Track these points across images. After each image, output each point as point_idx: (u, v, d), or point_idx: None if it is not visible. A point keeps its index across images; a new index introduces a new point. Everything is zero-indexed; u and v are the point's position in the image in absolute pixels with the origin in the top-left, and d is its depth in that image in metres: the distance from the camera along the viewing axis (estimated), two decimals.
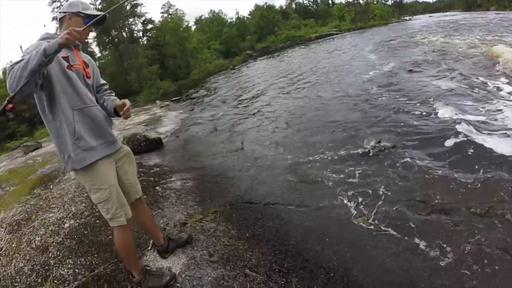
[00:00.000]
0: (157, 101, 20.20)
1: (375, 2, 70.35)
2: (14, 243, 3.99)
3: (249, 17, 60.03)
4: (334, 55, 21.79)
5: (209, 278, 2.67)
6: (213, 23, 53.22)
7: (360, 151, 5.20)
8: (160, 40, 37.25)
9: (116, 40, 36.17)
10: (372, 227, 3.34)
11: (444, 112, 6.08)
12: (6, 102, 1.85)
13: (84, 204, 4.69)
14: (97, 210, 4.37)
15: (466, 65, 10.35)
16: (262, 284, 2.60)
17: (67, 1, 2.37)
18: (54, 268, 3.27)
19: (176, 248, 3.09)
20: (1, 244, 4.05)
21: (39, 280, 3.12)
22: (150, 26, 39.47)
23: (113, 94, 2.70)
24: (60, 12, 2.34)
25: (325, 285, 2.59)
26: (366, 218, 3.50)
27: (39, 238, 3.95)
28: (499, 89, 7.13)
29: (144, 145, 7.50)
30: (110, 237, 3.65)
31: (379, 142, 5.31)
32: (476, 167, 4.05)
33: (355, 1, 62.33)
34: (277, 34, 52.72)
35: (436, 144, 4.89)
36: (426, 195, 3.65)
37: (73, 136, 2.19)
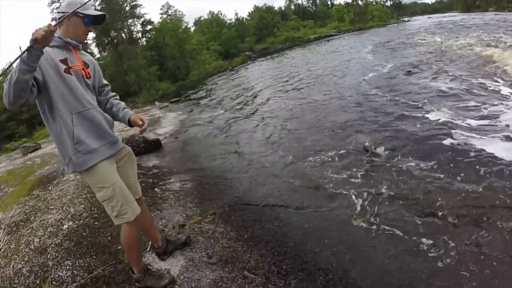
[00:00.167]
0: (156, 102, 20.20)
1: (374, 3, 70.56)
2: (13, 244, 3.98)
3: (248, 18, 60.13)
4: (333, 56, 21.82)
5: (208, 280, 2.67)
6: (212, 24, 53.28)
7: (359, 153, 5.21)
8: (159, 41, 37.25)
9: (115, 41, 36.13)
10: (371, 228, 3.34)
11: (444, 115, 6.08)
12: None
13: (82, 206, 4.68)
14: (95, 211, 4.38)
15: (465, 66, 10.38)
16: (261, 286, 2.59)
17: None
18: (53, 270, 3.26)
19: (174, 250, 3.09)
20: (0, 245, 4.04)
21: (38, 282, 3.12)
22: (149, 27, 39.44)
23: (118, 97, 2.73)
24: (58, 12, 2.31)
25: (324, 287, 2.59)
26: (365, 220, 3.50)
27: (38, 240, 3.95)
28: (498, 91, 7.15)
29: (143, 147, 7.50)
30: (109, 238, 3.65)
31: (378, 144, 5.31)
32: (476, 170, 4.04)
33: (354, 2, 62.49)
34: (276, 35, 52.76)
35: (436, 147, 4.88)
36: (425, 198, 3.65)
37: (72, 140, 2.20)
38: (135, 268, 2.68)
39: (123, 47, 34.57)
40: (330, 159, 5.19)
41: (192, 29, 51.57)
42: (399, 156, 4.79)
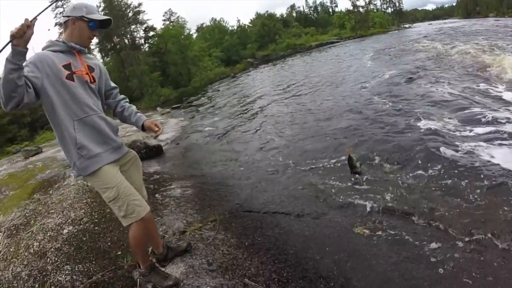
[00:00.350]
0: (158, 108, 20.27)
1: (375, 10, 71.01)
2: (12, 247, 3.97)
3: (250, 25, 60.49)
4: (334, 63, 21.90)
5: (208, 287, 2.65)
6: (215, 31, 53.57)
7: (361, 160, 5.19)
8: (161, 47, 37.47)
9: (118, 46, 36.35)
10: (372, 236, 3.33)
11: (448, 122, 6.08)
12: None
13: (83, 210, 4.67)
14: (96, 216, 4.37)
15: (466, 72, 10.41)
16: None
17: (70, 4, 2.34)
18: (52, 274, 3.24)
19: (175, 257, 3.07)
20: (0, 248, 4.03)
21: (36, 286, 3.09)
22: (152, 33, 39.73)
23: (127, 100, 2.73)
24: (63, 16, 2.31)
25: None
26: (366, 227, 3.49)
27: (38, 243, 3.93)
28: (500, 97, 7.18)
29: (144, 152, 7.50)
30: (109, 244, 3.63)
31: (380, 152, 5.30)
32: (480, 179, 3.99)
33: (355, 10, 62.87)
34: (278, 42, 53.05)
35: (440, 155, 4.83)
36: (427, 206, 3.63)
37: (75, 146, 2.20)
38: (141, 264, 2.70)
39: (126, 53, 34.77)
40: (331, 167, 5.19)
41: (194, 35, 51.90)
42: (402, 165, 4.77)
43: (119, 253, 3.39)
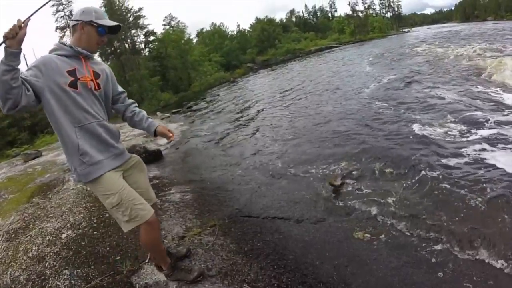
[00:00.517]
0: (158, 113, 20.25)
1: (374, 15, 71.38)
2: (11, 251, 3.95)
3: (250, 30, 60.68)
4: (333, 68, 21.95)
5: None
6: (214, 36, 53.65)
7: (360, 165, 5.20)
8: (161, 52, 37.53)
9: (118, 51, 36.38)
10: (372, 241, 3.32)
11: (451, 126, 6.08)
12: None
13: (82, 215, 4.66)
14: (95, 221, 4.36)
15: (465, 76, 10.47)
16: None
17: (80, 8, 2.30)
18: (50, 279, 3.23)
19: (174, 262, 3.05)
20: None
21: None
22: (152, 37, 39.79)
23: (137, 104, 2.73)
24: (72, 20, 2.28)
25: None
26: (366, 232, 3.48)
27: (36, 248, 3.92)
28: (501, 100, 7.20)
29: (144, 157, 7.43)
30: (108, 249, 3.62)
31: (381, 158, 5.31)
32: (484, 184, 3.99)
33: (355, 14, 63.24)
34: (278, 47, 53.18)
35: (443, 160, 4.83)
36: (428, 211, 3.63)
37: (77, 152, 2.18)
38: (162, 265, 2.74)
39: (126, 57, 34.81)
40: (330, 172, 5.18)
41: (194, 40, 52.03)
42: (404, 170, 4.77)
43: (118, 258, 3.38)
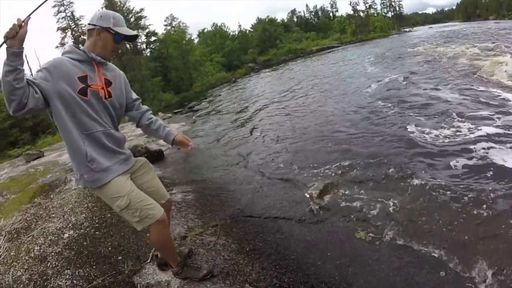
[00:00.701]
0: (160, 113, 20.27)
1: (375, 15, 71.34)
2: (13, 251, 3.96)
3: (251, 30, 60.72)
4: (335, 67, 21.94)
5: None
6: (216, 36, 53.70)
7: (361, 166, 5.19)
8: (163, 52, 37.58)
9: (119, 51, 36.41)
10: (374, 241, 3.32)
11: (457, 127, 6.03)
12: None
13: (84, 215, 4.66)
14: (97, 221, 4.36)
15: (468, 75, 10.47)
16: None
17: (98, 12, 2.23)
18: (52, 279, 3.23)
19: (183, 260, 3.03)
20: (0, 252, 4.02)
21: None
22: (153, 38, 39.87)
23: (151, 111, 2.71)
24: (89, 24, 2.21)
25: None
26: (368, 232, 3.48)
27: (38, 248, 3.92)
28: (506, 99, 7.16)
29: (145, 157, 7.37)
30: (109, 248, 3.62)
31: (385, 157, 5.30)
32: (491, 184, 3.98)
33: (356, 14, 63.25)
34: (279, 47, 53.22)
35: (450, 161, 4.79)
36: (431, 212, 3.63)
37: (85, 159, 2.15)
38: (172, 263, 2.76)
39: (127, 58, 34.86)
40: (333, 172, 5.18)
41: (196, 41, 52.06)
42: (408, 172, 4.74)
43: (119, 258, 3.38)
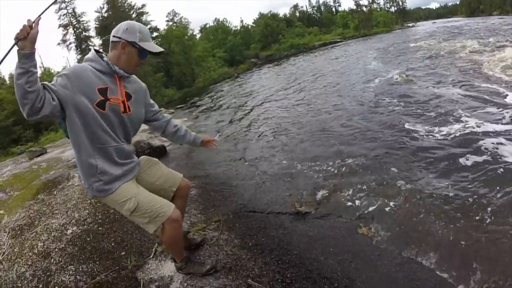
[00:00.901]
0: (162, 109, 20.20)
1: (378, 9, 70.86)
2: (17, 248, 3.98)
3: (254, 25, 60.35)
4: (337, 63, 21.85)
5: None
6: (218, 32, 53.47)
7: (365, 162, 5.17)
8: (165, 48, 37.44)
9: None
10: (376, 237, 3.33)
11: (463, 123, 5.95)
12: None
13: (87, 211, 4.68)
14: (100, 217, 4.38)
15: (472, 71, 10.39)
16: None
17: (123, 25, 2.15)
18: (56, 274, 3.25)
19: (188, 256, 3.01)
20: (4, 248, 4.04)
21: (41, 286, 3.11)
22: (155, 34, 39.76)
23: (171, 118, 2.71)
24: (113, 36, 2.13)
25: None
26: (370, 228, 3.48)
27: (42, 244, 3.95)
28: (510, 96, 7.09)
29: (148, 153, 7.49)
30: (112, 244, 3.64)
31: (389, 153, 5.28)
32: (502, 181, 3.94)
33: (359, 9, 62.87)
34: (281, 42, 52.94)
35: (457, 159, 4.74)
36: (433, 210, 3.61)
37: (96, 171, 2.13)
38: (177, 258, 2.77)
39: None
40: (335, 168, 5.17)
41: (198, 36, 51.92)
42: (412, 167, 4.74)
43: (122, 253, 3.40)
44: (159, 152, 7.78)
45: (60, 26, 36.15)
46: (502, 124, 5.61)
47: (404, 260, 2.91)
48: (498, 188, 3.75)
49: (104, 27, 36.41)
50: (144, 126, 2.75)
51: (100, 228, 4.09)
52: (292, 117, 9.38)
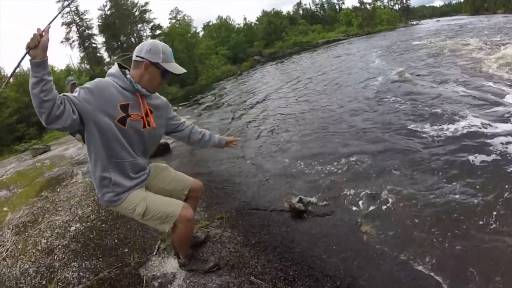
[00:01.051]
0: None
1: (382, 7, 70.52)
2: (20, 244, 4.01)
3: (257, 23, 60.26)
4: (341, 61, 21.77)
5: (214, 285, 2.65)
6: (221, 29, 53.42)
7: (367, 161, 5.16)
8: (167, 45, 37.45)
9: (125, 45, 36.52)
10: (379, 235, 3.31)
11: (469, 122, 5.85)
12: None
13: (90, 208, 4.70)
14: (103, 214, 4.39)
15: (477, 69, 10.29)
16: None
17: (146, 44, 2.16)
18: (59, 271, 3.27)
19: (192, 252, 3.03)
20: (7, 245, 4.07)
21: (44, 282, 3.12)
22: (158, 31, 39.83)
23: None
24: (136, 56, 2.14)
25: None
26: (373, 226, 3.47)
27: (45, 241, 3.97)
28: None
29: None
30: (116, 241, 3.65)
31: (393, 152, 5.27)
32: (507, 185, 3.85)
33: (362, 7, 62.54)
34: (285, 39, 52.85)
35: (464, 158, 4.67)
36: (438, 212, 3.58)
37: (109, 183, 2.17)
38: (181, 255, 2.80)
39: (133, 52, 34.85)
40: (338, 166, 5.16)
41: (201, 34, 51.90)
42: (416, 166, 4.70)
43: (126, 250, 3.41)
44: (163, 150, 7.78)
45: (63, 24, 36.28)
46: (510, 123, 5.53)
47: (406, 259, 2.90)
48: (507, 188, 3.71)
49: (107, 25, 36.55)
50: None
51: (103, 225, 4.10)
52: (295, 115, 9.36)
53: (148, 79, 2.15)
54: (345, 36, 53.30)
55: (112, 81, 2.10)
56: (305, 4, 78.24)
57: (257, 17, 61.90)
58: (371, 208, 3.82)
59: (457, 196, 3.73)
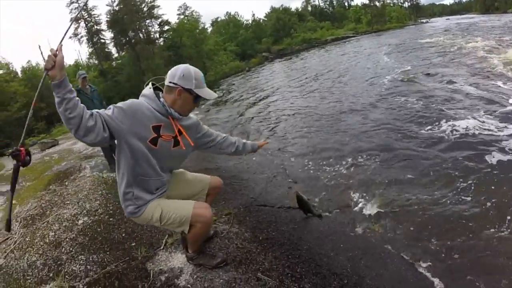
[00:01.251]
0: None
1: (391, 5, 69.91)
2: (28, 237, 4.04)
3: (265, 19, 60.10)
4: (350, 58, 21.65)
5: (221, 281, 2.64)
6: (229, 25, 53.40)
7: (378, 160, 5.10)
8: (176, 41, 37.56)
9: (133, 41, 36.62)
10: (387, 234, 3.29)
11: (481, 123, 5.75)
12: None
13: (98, 202, 4.72)
14: (111, 208, 4.42)
15: (486, 69, 10.13)
16: None
17: (179, 71, 2.15)
18: (66, 264, 3.29)
19: (201, 247, 3.03)
20: (16, 237, 4.10)
21: (51, 275, 3.14)
22: (166, 27, 39.87)
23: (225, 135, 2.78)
24: (170, 82, 2.15)
25: None
26: (381, 225, 3.45)
27: (53, 234, 3.99)
28: None
29: None
30: (123, 235, 3.66)
31: (403, 152, 5.21)
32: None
33: (372, 4, 61.98)
34: (293, 36, 52.65)
35: (475, 158, 4.60)
36: (448, 213, 3.52)
37: (132, 196, 2.23)
38: (191, 249, 2.82)
39: (141, 47, 35.02)
40: (349, 164, 5.13)
41: (209, 30, 51.91)
42: (426, 166, 4.64)
43: (133, 244, 3.41)
44: None
45: (71, 19, 36.43)
46: None
47: (413, 260, 2.88)
48: None
49: (115, 21, 36.62)
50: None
51: (111, 219, 4.12)
52: (303, 112, 9.32)
53: (181, 104, 2.18)
54: (354, 34, 52.93)
55: (146, 103, 2.13)
56: (314, 1, 77.63)
57: (266, 14, 61.78)
58: (379, 208, 3.78)
59: (468, 198, 3.68)
